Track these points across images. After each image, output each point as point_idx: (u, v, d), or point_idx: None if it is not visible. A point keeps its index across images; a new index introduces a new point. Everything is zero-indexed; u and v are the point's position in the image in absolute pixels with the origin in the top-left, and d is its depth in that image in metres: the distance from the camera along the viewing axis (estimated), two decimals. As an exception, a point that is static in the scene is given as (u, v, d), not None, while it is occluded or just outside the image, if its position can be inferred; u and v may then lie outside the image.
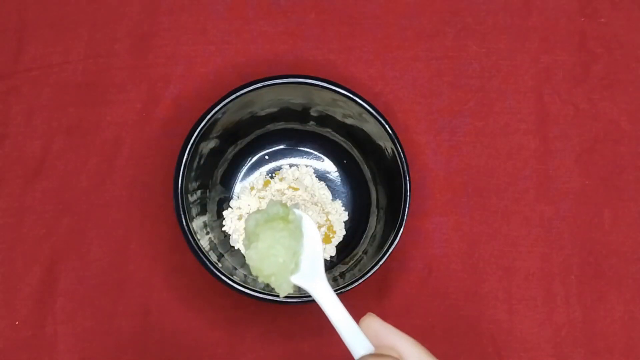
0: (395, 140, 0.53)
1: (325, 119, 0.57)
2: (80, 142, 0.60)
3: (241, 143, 0.58)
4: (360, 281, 0.51)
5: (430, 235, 0.59)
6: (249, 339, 0.58)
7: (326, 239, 0.58)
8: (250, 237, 0.40)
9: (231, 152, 0.58)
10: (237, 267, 0.55)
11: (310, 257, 0.41)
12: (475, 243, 0.59)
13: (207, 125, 0.53)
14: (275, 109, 0.56)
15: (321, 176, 0.59)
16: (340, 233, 0.58)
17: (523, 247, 0.59)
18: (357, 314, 0.41)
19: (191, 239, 0.51)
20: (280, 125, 0.58)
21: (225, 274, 0.51)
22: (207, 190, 0.57)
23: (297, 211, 0.41)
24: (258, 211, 0.41)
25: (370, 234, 0.57)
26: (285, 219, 0.40)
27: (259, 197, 0.58)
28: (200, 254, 0.51)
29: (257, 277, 0.41)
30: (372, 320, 0.37)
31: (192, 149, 0.52)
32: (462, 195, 0.60)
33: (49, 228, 0.59)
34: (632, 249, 0.59)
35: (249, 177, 0.59)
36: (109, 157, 0.60)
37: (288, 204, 0.42)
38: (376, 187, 0.58)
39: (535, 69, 0.62)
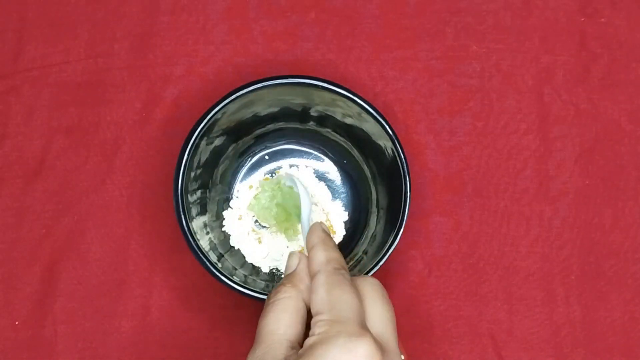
0: (395, 140, 0.53)
1: (325, 119, 0.57)
2: (80, 142, 0.60)
3: (241, 143, 0.58)
4: (360, 281, 0.51)
5: (430, 235, 0.59)
6: (249, 339, 0.57)
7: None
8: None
9: (231, 152, 0.58)
10: (237, 267, 0.55)
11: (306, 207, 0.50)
12: (475, 243, 0.59)
13: (207, 125, 0.53)
14: (275, 109, 0.56)
15: (321, 176, 0.59)
16: (340, 233, 0.58)
17: (523, 247, 0.59)
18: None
19: (191, 239, 0.51)
20: (280, 125, 0.58)
21: (225, 274, 0.51)
22: (207, 190, 0.57)
23: (291, 181, 0.54)
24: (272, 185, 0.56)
25: (370, 234, 0.57)
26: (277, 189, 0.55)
27: (259, 197, 0.58)
28: (200, 254, 0.51)
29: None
30: (315, 226, 0.45)
31: (192, 149, 0.52)
32: (462, 195, 0.60)
33: (49, 228, 0.59)
34: (632, 249, 0.59)
35: (249, 177, 0.59)
36: (109, 157, 0.60)
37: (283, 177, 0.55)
38: (376, 187, 0.58)
39: (535, 69, 0.62)
